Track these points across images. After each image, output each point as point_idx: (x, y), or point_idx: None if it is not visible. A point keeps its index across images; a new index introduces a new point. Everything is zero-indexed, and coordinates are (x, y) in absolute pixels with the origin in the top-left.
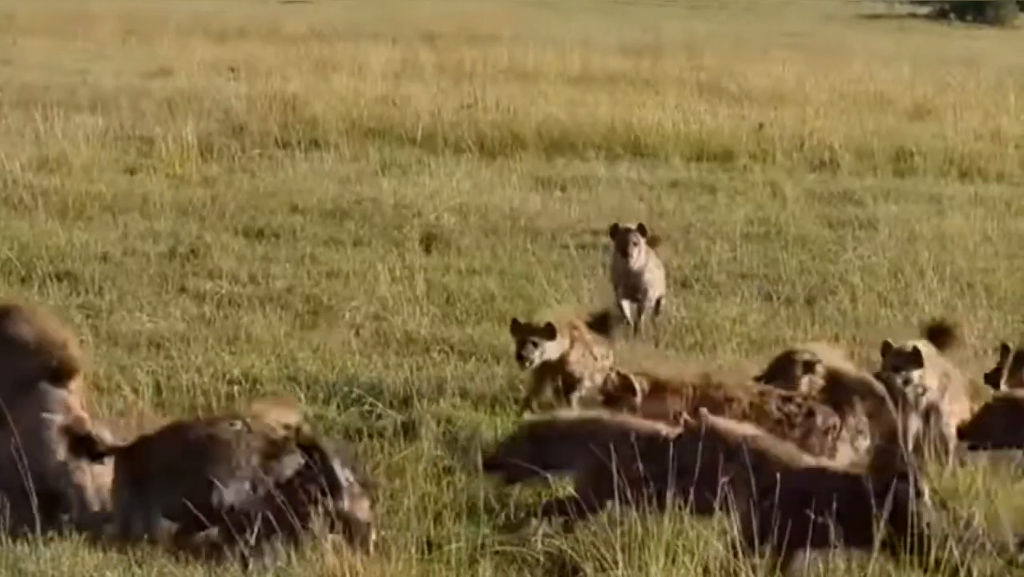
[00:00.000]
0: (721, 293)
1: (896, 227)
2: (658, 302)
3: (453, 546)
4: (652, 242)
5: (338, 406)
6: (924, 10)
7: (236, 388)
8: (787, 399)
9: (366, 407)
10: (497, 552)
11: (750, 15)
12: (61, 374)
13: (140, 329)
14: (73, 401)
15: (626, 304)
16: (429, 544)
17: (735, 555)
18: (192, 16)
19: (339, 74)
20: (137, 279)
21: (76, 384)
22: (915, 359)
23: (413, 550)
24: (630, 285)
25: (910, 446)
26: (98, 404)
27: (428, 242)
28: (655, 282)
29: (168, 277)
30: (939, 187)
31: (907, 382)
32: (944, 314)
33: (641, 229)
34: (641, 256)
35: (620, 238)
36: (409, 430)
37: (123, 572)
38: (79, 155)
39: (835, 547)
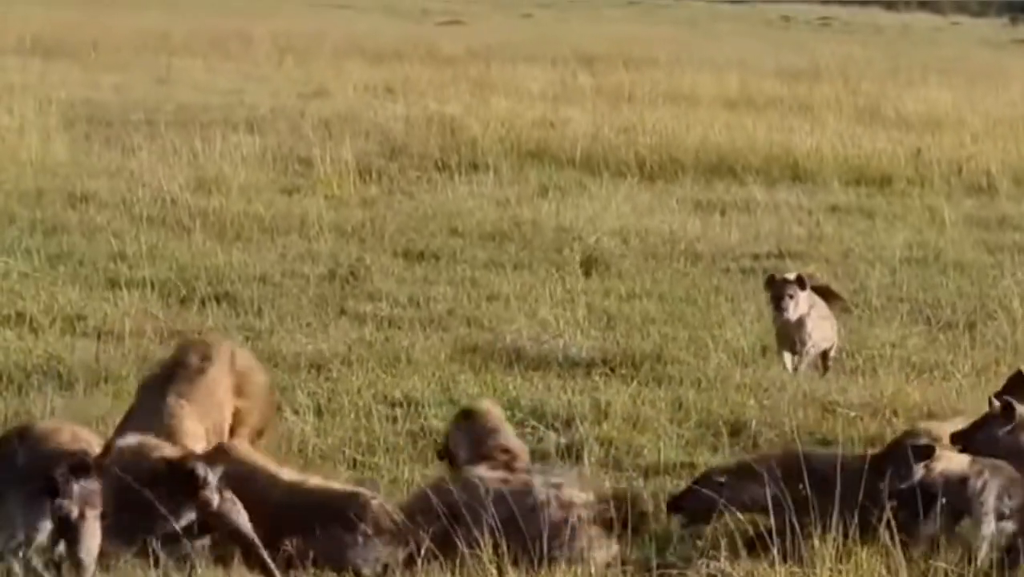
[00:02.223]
0: (880, 317)
1: None
2: (825, 354)
3: (619, 568)
4: (826, 295)
5: None
6: None
7: (398, 411)
8: None
9: (528, 429)
10: (661, 574)
11: (905, 40)
12: None
13: (300, 351)
14: None
15: (787, 356)
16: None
17: None
18: (348, 37)
19: (497, 96)
20: (296, 301)
21: None
22: None
23: (579, 571)
24: (788, 336)
25: None
26: None
27: (588, 265)
28: (817, 333)
29: (328, 299)
30: None
31: None
32: None
33: (800, 281)
34: (798, 308)
35: (775, 290)
36: (572, 453)
37: None
38: (237, 176)
39: None
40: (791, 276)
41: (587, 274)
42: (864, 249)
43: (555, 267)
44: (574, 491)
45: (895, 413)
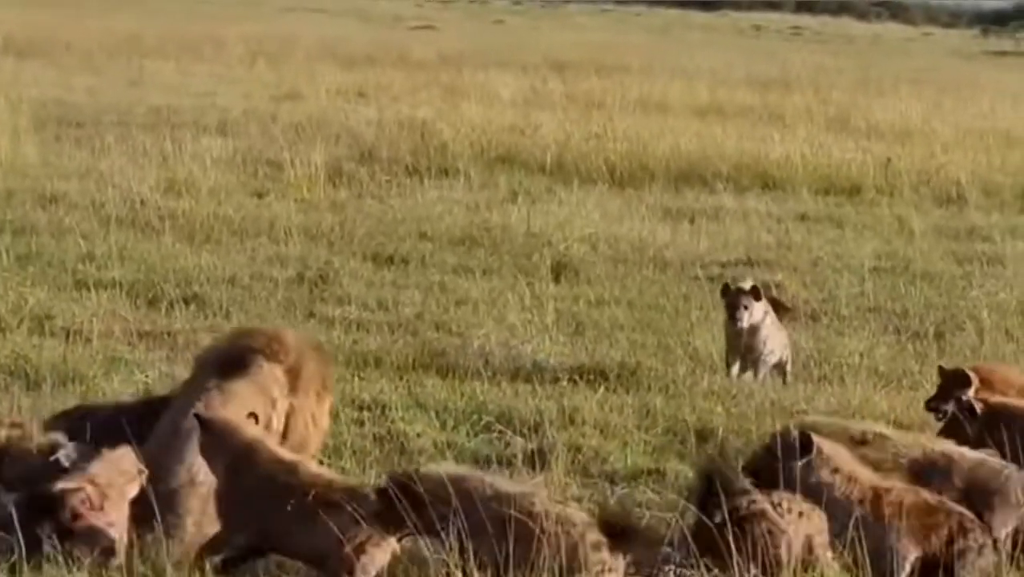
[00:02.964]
0: (849, 327)
1: None
2: (783, 370)
3: (584, 573)
4: (779, 309)
5: (468, 433)
6: None
7: (365, 414)
8: None
9: (496, 434)
10: None
11: (876, 50)
12: None
13: None
14: None
15: (735, 369)
16: (560, 570)
17: None
18: (320, 41)
19: (468, 101)
20: (265, 304)
21: None
22: None
23: (545, 575)
24: (742, 346)
25: None
26: None
27: (558, 271)
28: (774, 346)
29: (296, 302)
30: None
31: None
32: None
33: (755, 291)
34: (752, 319)
35: (730, 299)
36: (539, 458)
37: None
38: (207, 178)
39: None
40: (746, 285)
41: (556, 280)
42: (833, 258)
43: (524, 273)
44: (574, 510)
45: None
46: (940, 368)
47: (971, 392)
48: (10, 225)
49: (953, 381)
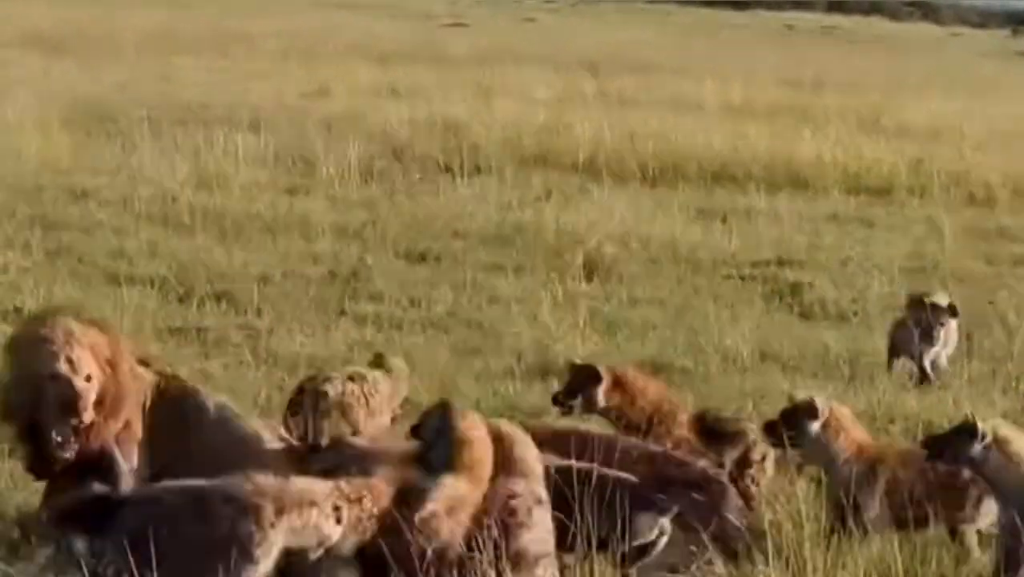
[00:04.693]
0: (879, 326)
1: None
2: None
3: (598, 569)
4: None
5: None
6: None
7: (398, 411)
8: None
9: None
10: None
11: (908, 51)
12: None
13: (299, 351)
14: None
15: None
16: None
17: None
18: (352, 38)
19: (501, 99)
20: (297, 301)
21: None
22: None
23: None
24: (904, 348)
25: None
26: None
27: (590, 270)
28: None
29: (328, 299)
30: None
31: None
32: None
33: (952, 309)
34: (949, 338)
35: (929, 318)
36: None
37: None
38: (239, 174)
39: None
40: (942, 302)
41: (588, 279)
42: (863, 258)
43: (556, 271)
44: None
45: (891, 421)
46: (570, 363)
47: (601, 389)
48: (41, 220)
49: (582, 377)
